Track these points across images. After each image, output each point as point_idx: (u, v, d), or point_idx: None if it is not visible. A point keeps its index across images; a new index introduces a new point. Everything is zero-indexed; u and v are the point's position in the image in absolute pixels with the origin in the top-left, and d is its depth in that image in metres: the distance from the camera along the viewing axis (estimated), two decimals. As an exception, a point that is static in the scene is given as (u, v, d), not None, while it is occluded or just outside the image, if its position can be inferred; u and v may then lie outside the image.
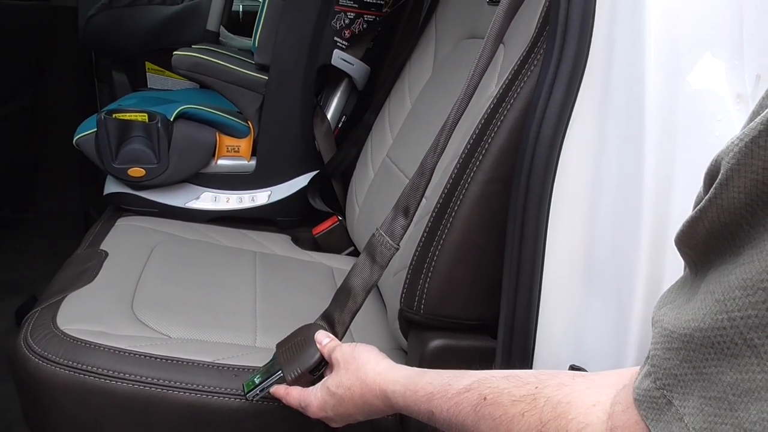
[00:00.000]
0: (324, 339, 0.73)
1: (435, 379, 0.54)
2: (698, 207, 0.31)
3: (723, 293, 0.28)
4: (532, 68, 0.73)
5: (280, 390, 0.73)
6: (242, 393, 0.77)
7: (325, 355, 0.71)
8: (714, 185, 0.29)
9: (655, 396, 0.33)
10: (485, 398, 0.46)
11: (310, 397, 0.69)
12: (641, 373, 0.35)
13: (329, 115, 1.51)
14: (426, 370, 0.58)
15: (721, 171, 0.29)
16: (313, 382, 0.72)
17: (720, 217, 0.29)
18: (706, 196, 0.30)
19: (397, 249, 0.73)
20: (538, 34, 0.73)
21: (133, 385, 0.76)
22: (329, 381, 0.67)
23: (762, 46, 0.51)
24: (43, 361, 0.76)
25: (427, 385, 0.54)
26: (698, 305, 0.31)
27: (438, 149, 0.71)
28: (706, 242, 0.31)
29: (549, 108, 0.61)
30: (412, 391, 0.55)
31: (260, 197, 1.42)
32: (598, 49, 0.58)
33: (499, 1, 1.00)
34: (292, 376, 0.73)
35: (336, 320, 0.76)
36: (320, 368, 0.72)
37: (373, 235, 0.75)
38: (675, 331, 0.31)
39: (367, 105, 1.47)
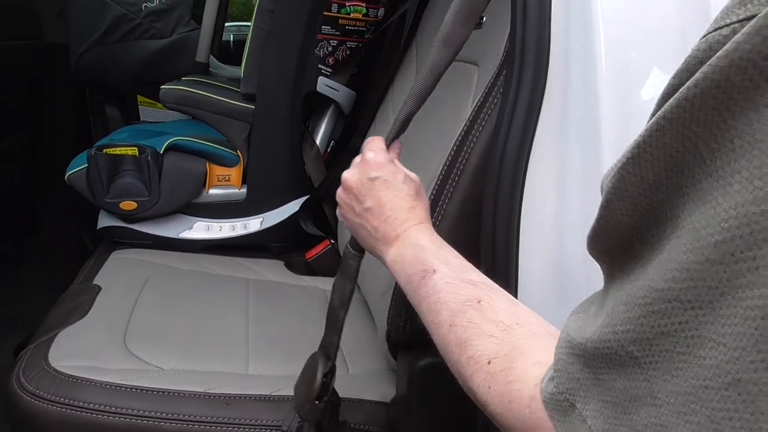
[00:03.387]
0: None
1: (452, 261, 0.54)
2: (592, 226, 0.32)
3: (611, 307, 0.30)
4: (501, 91, 0.75)
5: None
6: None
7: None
8: (600, 206, 0.31)
9: (559, 399, 0.34)
10: (480, 300, 0.48)
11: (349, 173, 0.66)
12: (547, 376, 0.36)
13: (318, 140, 1.53)
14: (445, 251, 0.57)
15: (603, 194, 0.30)
16: (321, 410, 0.73)
17: (613, 237, 0.31)
18: (596, 217, 0.31)
19: (361, 256, 0.72)
20: (506, 57, 0.75)
21: (126, 418, 0.78)
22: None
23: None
24: (35, 399, 0.78)
25: (450, 257, 0.55)
26: (593, 319, 0.32)
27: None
28: (610, 256, 0.32)
29: (512, 131, 0.63)
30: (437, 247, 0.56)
31: (252, 224, 1.44)
32: (555, 74, 0.60)
33: (476, 26, 1.02)
34: (303, 411, 0.74)
35: (326, 343, 0.77)
36: (324, 396, 0.73)
37: (344, 251, 0.75)
38: (575, 339, 0.33)
39: (354, 129, 1.49)
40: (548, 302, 0.65)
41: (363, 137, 1.40)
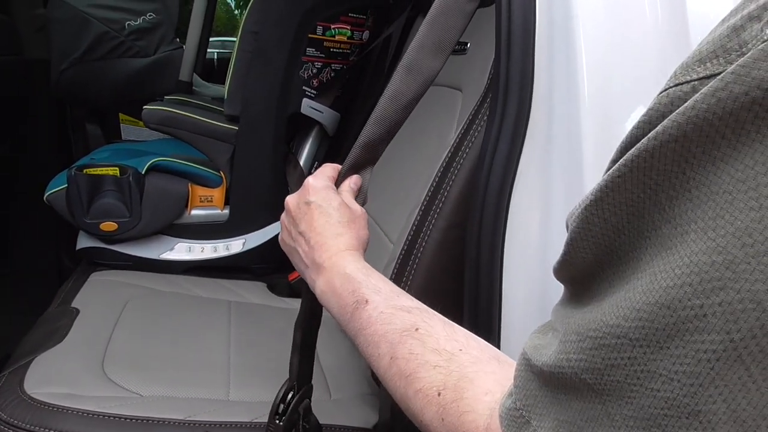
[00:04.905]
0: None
1: (382, 288, 0.54)
2: (558, 259, 0.33)
3: (564, 335, 0.31)
4: (485, 118, 0.76)
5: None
6: None
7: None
8: (565, 242, 0.32)
9: (515, 415, 0.34)
10: (417, 329, 0.47)
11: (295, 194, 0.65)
12: (507, 392, 0.37)
13: (302, 162, 1.53)
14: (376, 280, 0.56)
15: (568, 231, 0.31)
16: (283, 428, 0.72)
17: (576, 270, 0.32)
18: (561, 252, 0.33)
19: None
20: (490, 85, 0.76)
21: (103, 447, 0.76)
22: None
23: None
24: (9, 428, 0.76)
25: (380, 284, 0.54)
26: (550, 341, 0.33)
27: (344, 170, 0.70)
28: (572, 284, 0.34)
29: (495, 160, 0.63)
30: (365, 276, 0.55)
31: (235, 245, 1.43)
32: (539, 105, 0.61)
33: (460, 52, 1.04)
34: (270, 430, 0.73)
35: (289, 363, 0.76)
36: (283, 415, 0.72)
37: None
38: (531, 359, 0.34)
39: (339, 150, 1.49)
40: (532, 327, 0.65)
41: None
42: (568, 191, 0.59)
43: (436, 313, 0.51)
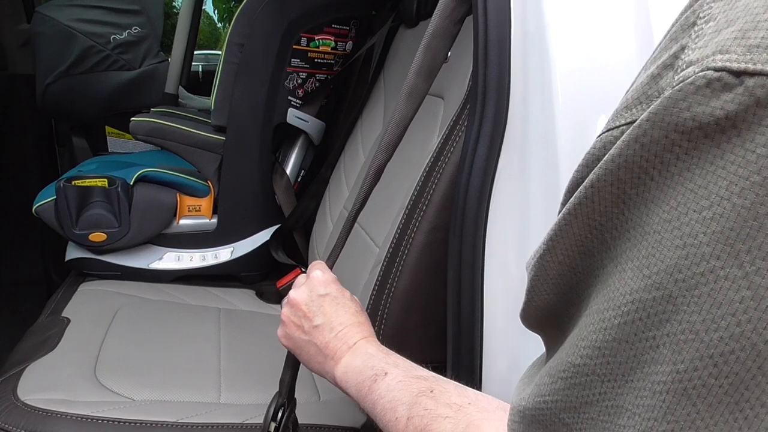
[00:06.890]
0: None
1: (400, 364, 0.59)
2: (522, 306, 0.35)
3: (539, 378, 0.32)
4: (466, 124, 0.79)
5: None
6: None
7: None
8: (526, 290, 0.33)
9: None
10: (432, 390, 0.52)
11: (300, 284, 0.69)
12: None
13: (288, 171, 1.55)
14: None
15: (527, 279, 0.33)
16: None
17: (541, 313, 0.33)
18: (524, 299, 0.34)
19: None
20: (469, 94, 0.79)
21: (97, 451, 0.77)
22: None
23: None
24: (4, 434, 0.77)
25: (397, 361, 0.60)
26: (527, 385, 0.35)
27: (359, 199, 0.75)
28: (542, 330, 0.35)
29: (475, 163, 0.66)
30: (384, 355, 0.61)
31: (223, 254, 1.45)
32: (515, 111, 0.64)
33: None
34: None
35: (281, 378, 0.78)
36: (277, 430, 0.74)
37: None
38: (515, 406, 0.35)
39: (324, 159, 1.52)
40: (512, 325, 0.68)
41: (333, 167, 1.43)
42: (545, 192, 0.62)
43: (449, 380, 0.56)
